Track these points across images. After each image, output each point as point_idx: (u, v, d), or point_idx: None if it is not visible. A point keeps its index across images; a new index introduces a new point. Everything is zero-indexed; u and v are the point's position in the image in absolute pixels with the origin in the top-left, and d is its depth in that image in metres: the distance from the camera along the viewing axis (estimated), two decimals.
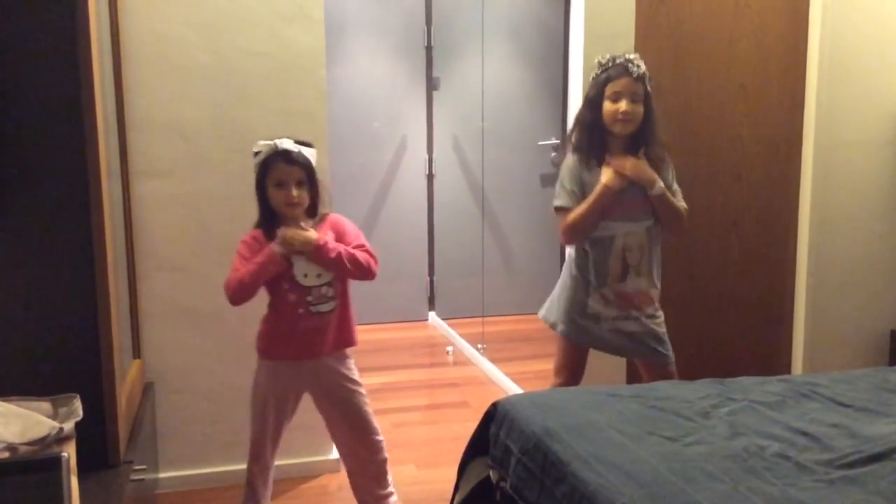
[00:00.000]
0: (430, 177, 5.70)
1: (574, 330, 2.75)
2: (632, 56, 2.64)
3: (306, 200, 2.46)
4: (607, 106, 2.62)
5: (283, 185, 2.41)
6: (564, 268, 2.86)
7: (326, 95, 3.02)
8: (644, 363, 2.81)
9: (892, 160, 3.75)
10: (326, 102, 3.03)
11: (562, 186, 2.71)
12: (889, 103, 3.71)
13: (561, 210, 2.70)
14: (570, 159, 2.72)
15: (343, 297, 2.56)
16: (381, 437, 2.64)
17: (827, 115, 3.61)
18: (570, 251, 2.84)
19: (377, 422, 2.65)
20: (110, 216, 2.06)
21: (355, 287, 2.58)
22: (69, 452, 1.60)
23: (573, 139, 2.75)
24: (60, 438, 1.65)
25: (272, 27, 2.91)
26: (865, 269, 3.79)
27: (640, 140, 2.66)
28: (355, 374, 2.61)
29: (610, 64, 2.63)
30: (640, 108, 2.63)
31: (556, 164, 3.24)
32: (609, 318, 2.71)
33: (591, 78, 2.71)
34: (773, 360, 3.79)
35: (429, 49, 5.58)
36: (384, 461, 2.64)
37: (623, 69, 2.60)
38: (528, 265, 5.72)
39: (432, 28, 5.55)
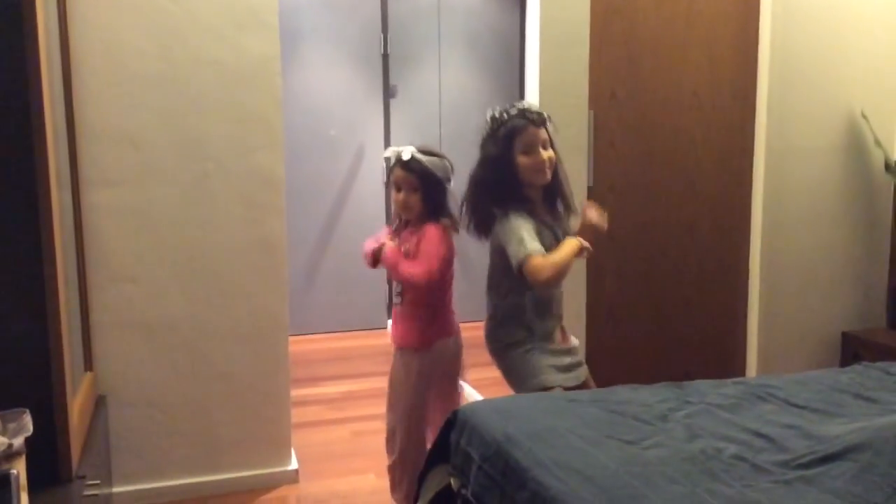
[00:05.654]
0: (388, 185, 5.69)
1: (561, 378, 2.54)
2: (523, 105, 2.50)
3: (417, 205, 2.66)
4: (522, 160, 2.45)
5: (398, 189, 2.67)
6: (501, 338, 2.70)
7: (282, 103, 3.00)
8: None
9: (843, 165, 3.84)
10: (282, 110, 3.01)
11: (524, 235, 2.39)
12: (839, 109, 3.79)
13: (531, 257, 2.34)
14: (514, 216, 2.45)
15: None
16: None
17: (778, 122, 3.68)
18: (510, 314, 2.67)
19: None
20: (60, 226, 2.01)
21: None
22: (19, 469, 1.56)
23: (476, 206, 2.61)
24: (10, 455, 1.61)
25: (226, 35, 2.88)
26: (817, 272, 3.87)
27: (555, 185, 2.54)
28: None
29: (506, 117, 2.47)
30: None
31: None
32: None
33: (484, 137, 2.55)
34: (728, 362, 3.85)
35: (385, 57, 5.57)
36: None
37: (525, 120, 2.45)
38: (485, 272, 5.72)
39: (389, 36, 5.54)
